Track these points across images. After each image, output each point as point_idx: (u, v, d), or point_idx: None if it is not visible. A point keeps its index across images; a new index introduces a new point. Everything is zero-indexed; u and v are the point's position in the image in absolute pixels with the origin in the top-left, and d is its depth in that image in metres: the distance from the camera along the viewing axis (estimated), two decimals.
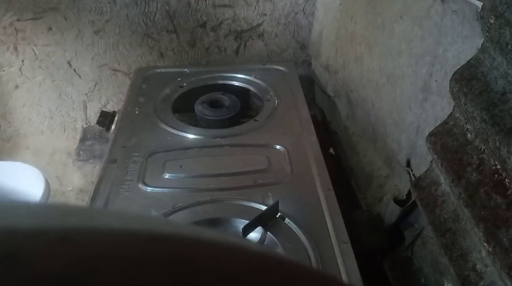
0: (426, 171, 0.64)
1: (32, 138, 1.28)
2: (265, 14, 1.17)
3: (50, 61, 1.17)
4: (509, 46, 0.46)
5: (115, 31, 1.14)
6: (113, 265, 0.11)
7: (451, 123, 0.58)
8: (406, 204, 0.72)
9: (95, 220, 0.13)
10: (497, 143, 0.47)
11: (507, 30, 0.46)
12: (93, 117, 1.23)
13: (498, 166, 0.49)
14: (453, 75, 0.56)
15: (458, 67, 0.56)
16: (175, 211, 0.68)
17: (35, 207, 0.13)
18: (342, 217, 0.67)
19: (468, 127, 0.55)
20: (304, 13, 1.18)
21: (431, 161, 0.62)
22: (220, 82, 1.05)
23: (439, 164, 0.57)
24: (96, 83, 1.23)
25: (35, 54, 1.15)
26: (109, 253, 0.11)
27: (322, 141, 1.01)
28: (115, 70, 1.21)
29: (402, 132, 0.74)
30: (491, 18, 0.48)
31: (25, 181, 0.70)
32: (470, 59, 0.54)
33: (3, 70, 1.17)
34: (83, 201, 1.08)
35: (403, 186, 0.76)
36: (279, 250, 0.63)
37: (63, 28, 1.11)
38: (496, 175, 0.49)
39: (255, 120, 0.91)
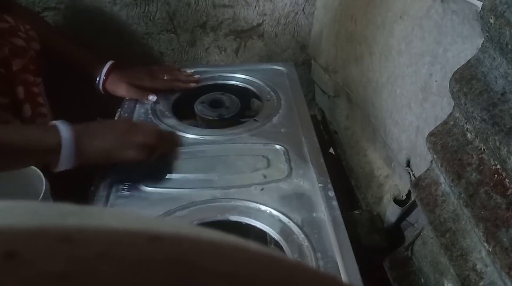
0: (426, 171, 0.64)
1: None
2: (265, 14, 1.17)
3: None
4: (509, 46, 0.46)
5: (115, 31, 1.14)
6: (113, 265, 0.11)
7: (451, 123, 0.58)
8: (406, 204, 0.72)
9: (95, 220, 0.13)
10: (497, 143, 0.47)
11: (507, 30, 0.46)
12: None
13: (498, 166, 0.49)
14: (453, 75, 0.56)
15: (458, 67, 0.56)
16: (175, 211, 0.68)
17: (35, 206, 0.13)
18: (342, 217, 0.67)
19: (468, 127, 0.55)
20: (304, 13, 1.19)
21: (431, 161, 0.62)
22: (220, 82, 1.05)
23: (439, 164, 0.57)
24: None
25: None
26: (109, 253, 0.11)
27: (322, 141, 1.01)
28: None
29: (402, 132, 0.74)
30: (491, 18, 0.48)
31: (24, 181, 0.70)
32: (470, 59, 0.54)
33: None
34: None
35: (403, 186, 0.76)
36: (279, 250, 0.63)
37: (63, 28, 1.11)
38: (496, 175, 0.50)
39: (255, 120, 0.91)
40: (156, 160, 0.73)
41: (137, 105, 0.95)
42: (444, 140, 0.58)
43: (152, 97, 0.95)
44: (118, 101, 0.97)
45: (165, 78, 0.99)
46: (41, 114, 0.84)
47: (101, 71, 0.94)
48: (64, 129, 0.64)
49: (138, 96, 0.95)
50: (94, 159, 0.68)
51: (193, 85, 1.01)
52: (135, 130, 0.71)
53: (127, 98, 0.96)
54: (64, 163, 0.64)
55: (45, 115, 0.85)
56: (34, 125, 0.70)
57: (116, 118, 0.92)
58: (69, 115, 0.70)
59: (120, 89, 0.95)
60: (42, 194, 0.65)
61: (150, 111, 0.92)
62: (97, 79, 0.95)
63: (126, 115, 0.92)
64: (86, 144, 0.66)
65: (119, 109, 0.94)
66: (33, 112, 0.83)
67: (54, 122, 0.65)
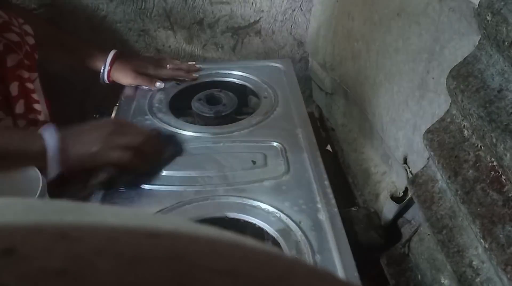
0: (423, 168, 0.64)
1: None
2: (262, 11, 1.17)
3: None
4: (506, 43, 0.46)
5: (112, 28, 1.14)
6: (110, 261, 0.11)
7: (448, 120, 0.58)
8: (403, 201, 0.73)
9: (92, 217, 0.13)
10: (494, 140, 0.47)
11: (504, 27, 0.46)
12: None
13: (495, 163, 0.50)
14: (450, 72, 0.56)
15: (455, 64, 0.56)
16: (172, 208, 0.68)
17: (32, 203, 0.13)
18: (339, 214, 0.67)
19: (465, 124, 0.55)
20: (301, 9, 1.18)
21: (428, 158, 0.63)
22: (217, 79, 1.05)
23: (436, 161, 0.57)
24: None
25: None
26: (106, 249, 0.11)
27: (319, 138, 1.01)
28: None
29: (399, 129, 0.75)
30: (488, 15, 0.48)
31: (21, 178, 0.69)
32: (467, 56, 0.54)
33: None
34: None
35: (400, 183, 0.76)
36: (276, 247, 0.63)
37: (59, 25, 1.11)
38: (492, 172, 0.50)
39: (252, 117, 0.91)
40: (154, 167, 0.72)
41: (134, 103, 0.95)
42: (441, 137, 0.58)
43: (160, 84, 0.96)
44: (115, 95, 0.97)
45: (168, 67, 0.99)
46: (35, 111, 0.83)
47: (105, 61, 0.94)
48: (49, 136, 0.64)
49: (145, 83, 0.96)
50: (80, 163, 0.67)
51: (195, 76, 1.01)
52: (120, 131, 0.70)
53: (127, 93, 0.96)
54: (52, 170, 0.64)
55: (39, 112, 0.84)
56: (21, 130, 0.69)
57: (113, 114, 0.92)
58: (65, 112, 0.69)
59: (126, 77, 0.95)
60: (38, 192, 0.65)
61: (147, 109, 0.92)
62: (101, 68, 0.94)
63: (124, 109, 0.91)
64: (70, 149, 0.65)
65: (117, 104, 0.94)
66: (26, 109, 0.81)
67: (42, 128, 0.64)
